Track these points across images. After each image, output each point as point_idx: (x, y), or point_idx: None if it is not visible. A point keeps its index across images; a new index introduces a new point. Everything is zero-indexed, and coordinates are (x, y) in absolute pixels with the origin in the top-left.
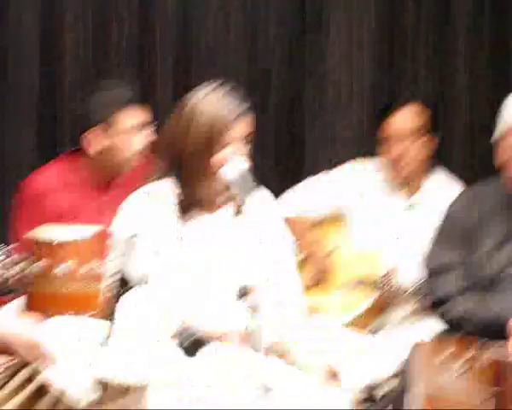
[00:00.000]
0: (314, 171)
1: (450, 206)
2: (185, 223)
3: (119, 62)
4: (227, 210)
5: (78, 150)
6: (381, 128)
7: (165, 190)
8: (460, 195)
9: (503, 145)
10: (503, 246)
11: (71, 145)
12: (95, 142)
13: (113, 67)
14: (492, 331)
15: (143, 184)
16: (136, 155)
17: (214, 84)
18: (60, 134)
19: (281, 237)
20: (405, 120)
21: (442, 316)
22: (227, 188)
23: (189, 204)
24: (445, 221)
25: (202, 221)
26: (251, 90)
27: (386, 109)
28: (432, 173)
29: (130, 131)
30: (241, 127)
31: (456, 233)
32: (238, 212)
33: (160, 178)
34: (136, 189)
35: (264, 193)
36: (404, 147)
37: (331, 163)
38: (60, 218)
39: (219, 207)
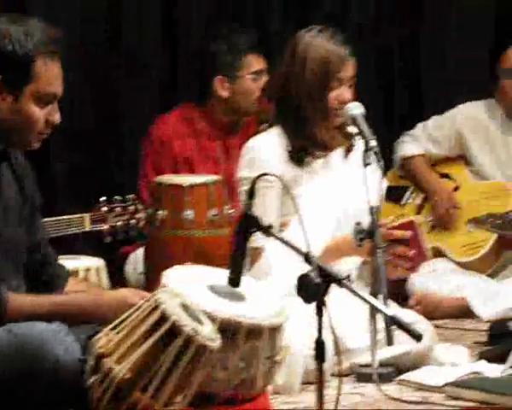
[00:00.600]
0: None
1: None
2: (298, 169)
3: None
4: (338, 152)
5: (189, 103)
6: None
7: (278, 138)
8: None
9: None
10: None
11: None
12: (220, 87)
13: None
14: None
15: (257, 131)
16: (257, 101)
17: (319, 27)
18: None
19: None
20: None
21: None
22: (344, 128)
23: (302, 149)
24: None
25: (316, 167)
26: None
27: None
28: None
29: (252, 78)
30: (351, 68)
31: None
32: (348, 152)
33: (271, 125)
34: (251, 135)
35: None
36: None
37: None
38: (187, 163)
39: (334, 148)
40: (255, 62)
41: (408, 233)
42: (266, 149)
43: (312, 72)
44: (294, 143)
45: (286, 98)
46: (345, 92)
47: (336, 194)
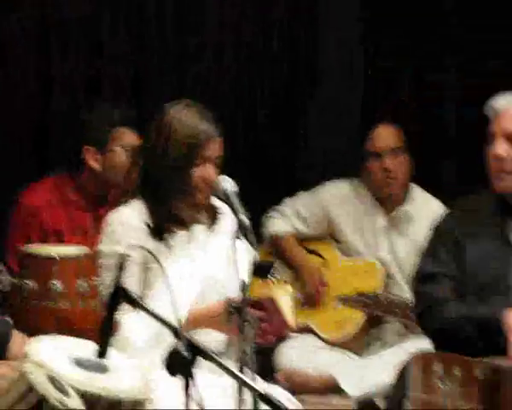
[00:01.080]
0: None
1: (441, 218)
2: (158, 243)
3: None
4: (202, 227)
5: (62, 173)
6: (369, 143)
7: (138, 212)
8: (448, 207)
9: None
10: (496, 254)
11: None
12: (91, 159)
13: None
14: (487, 333)
15: (118, 203)
16: (128, 174)
17: (187, 101)
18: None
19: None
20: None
21: (433, 321)
22: (207, 204)
23: (161, 225)
24: (435, 233)
25: (177, 240)
26: None
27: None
28: (409, 191)
29: (123, 152)
30: (217, 146)
31: (446, 245)
32: (213, 223)
33: (131, 197)
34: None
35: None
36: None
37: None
38: (57, 233)
39: (197, 222)
40: (127, 136)
41: (258, 313)
42: (126, 223)
43: (177, 147)
44: (154, 218)
45: (148, 172)
46: (210, 170)
47: (198, 266)
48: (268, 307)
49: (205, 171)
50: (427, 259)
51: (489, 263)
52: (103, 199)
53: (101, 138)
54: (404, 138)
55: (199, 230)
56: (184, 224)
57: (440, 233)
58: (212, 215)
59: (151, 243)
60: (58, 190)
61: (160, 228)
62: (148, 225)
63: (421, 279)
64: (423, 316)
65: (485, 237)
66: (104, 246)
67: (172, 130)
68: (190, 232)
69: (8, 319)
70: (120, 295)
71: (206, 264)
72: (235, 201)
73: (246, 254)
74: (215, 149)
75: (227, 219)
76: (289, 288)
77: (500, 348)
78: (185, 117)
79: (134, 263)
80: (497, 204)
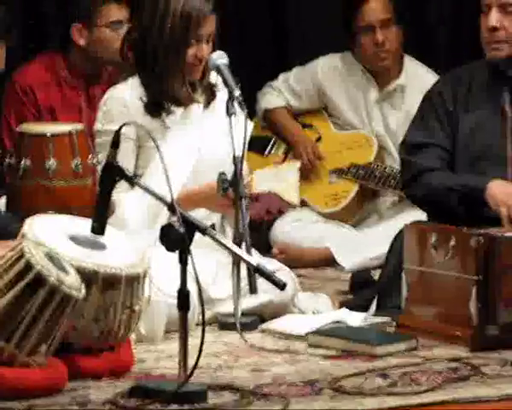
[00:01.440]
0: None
1: (432, 86)
2: (154, 122)
3: None
4: (198, 106)
5: (55, 51)
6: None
7: (136, 90)
8: (441, 77)
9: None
10: (488, 123)
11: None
12: (78, 35)
13: None
14: (470, 203)
15: (115, 81)
16: (117, 51)
17: None
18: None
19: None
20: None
21: (418, 189)
22: (203, 81)
23: (158, 102)
24: (425, 101)
25: (174, 120)
26: None
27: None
28: (403, 63)
29: (111, 28)
30: (210, 24)
31: (436, 114)
32: (209, 103)
33: (128, 75)
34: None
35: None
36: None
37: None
38: (51, 112)
39: (189, 104)
40: (115, 12)
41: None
42: (123, 101)
43: (172, 26)
44: (150, 96)
45: (144, 51)
46: (203, 48)
47: (194, 143)
48: (263, 199)
49: (198, 49)
50: (417, 127)
51: (481, 133)
52: (96, 78)
53: (87, 15)
54: (392, 8)
55: (195, 109)
56: (180, 102)
57: (431, 101)
58: (209, 93)
59: (147, 121)
60: (51, 69)
61: (156, 105)
62: (145, 104)
63: (409, 148)
64: (409, 184)
65: (477, 107)
66: (100, 124)
67: (168, 8)
68: (187, 111)
69: None
70: (114, 172)
71: (202, 141)
72: (226, 73)
73: (240, 129)
74: (208, 26)
75: (224, 96)
76: (296, 163)
77: (484, 217)
78: None
79: (129, 140)
80: (489, 73)
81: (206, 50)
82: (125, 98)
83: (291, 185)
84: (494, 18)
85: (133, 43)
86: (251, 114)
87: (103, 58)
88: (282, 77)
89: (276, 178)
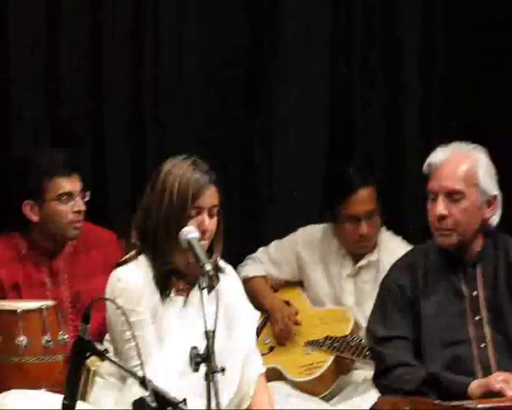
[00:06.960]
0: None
1: (386, 277)
2: (164, 298)
3: None
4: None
5: (15, 230)
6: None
7: (144, 267)
8: (394, 264)
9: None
10: (450, 307)
11: None
12: (29, 212)
13: None
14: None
15: (121, 261)
16: (71, 224)
17: (184, 156)
18: None
19: (247, 314)
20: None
21: (392, 384)
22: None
23: (166, 274)
24: (384, 291)
25: (175, 303)
26: None
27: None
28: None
29: (57, 201)
30: (211, 196)
31: (398, 305)
32: (210, 290)
33: (138, 253)
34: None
35: (228, 269)
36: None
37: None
38: (15, 289)
39: (193, 278)
40: (63, 184)
41: None
42: (129, 281)
43: (170, 200)
44: (156, 271)
45: (146, 227)
46: (204, 220)
47: (187, 333)
48: None
49: (199, 221)
50: (380, 320)
51: (444, 316)
52: (57, 252)
53: (35, 191)
54: (377, 198)
55: (196, 296)
56: (183, 276)
57: (390, 293)
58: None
59: (155, 301)
60: (13, 248)
61: (162, 282)
62: (154, 277)
63: (376, 340)
64: (379, 377)
65: (436, 290)
66: (110, 303)
67: (165, 185)
68: (189, 297)
69: None
70: (86, 348)
71: (195, 335)
72: (197, 247)
73: (211, 303)
74: (209, 198)
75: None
76: None
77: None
78: (178, 169)
79: (146, 322)
80: (443, 258)
81: (208, 223)
82: (132, 278)
83: None
84: (442, 206)
85: (137, 222)
86: None
87: (58, 232)
88: (261, 249)
89: None
